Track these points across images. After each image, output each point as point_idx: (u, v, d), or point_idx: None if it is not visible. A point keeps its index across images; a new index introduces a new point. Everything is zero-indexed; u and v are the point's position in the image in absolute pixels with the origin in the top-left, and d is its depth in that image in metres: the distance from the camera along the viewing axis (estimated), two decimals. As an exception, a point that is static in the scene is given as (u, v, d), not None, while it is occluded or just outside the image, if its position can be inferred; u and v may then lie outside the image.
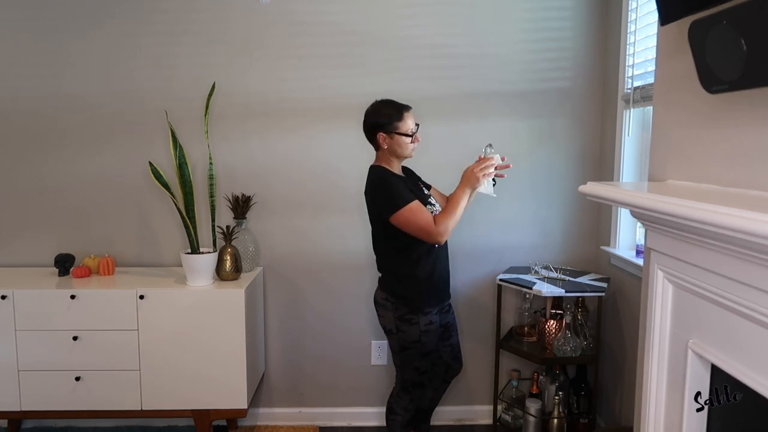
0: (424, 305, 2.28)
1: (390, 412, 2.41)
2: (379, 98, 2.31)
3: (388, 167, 2.28)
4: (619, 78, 2.60)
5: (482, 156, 2.27)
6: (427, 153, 2.79)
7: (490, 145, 2.30)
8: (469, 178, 2.21)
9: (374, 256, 2.38)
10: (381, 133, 2.24)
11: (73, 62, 2.72)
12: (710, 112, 1.45)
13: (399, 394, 2.39)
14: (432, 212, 2.22)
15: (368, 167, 2.32)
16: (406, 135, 2.24)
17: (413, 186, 2.32)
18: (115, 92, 2.74)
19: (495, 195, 2.29)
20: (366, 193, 2.29)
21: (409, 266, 2.25)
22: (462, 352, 2.92)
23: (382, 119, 2.23)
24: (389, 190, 2.18)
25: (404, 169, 2.39)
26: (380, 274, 2.37)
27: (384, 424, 2.52)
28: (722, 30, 1.21)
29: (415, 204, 2.14)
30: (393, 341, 2.34)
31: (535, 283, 2.51)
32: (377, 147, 2.29)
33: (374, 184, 2.25)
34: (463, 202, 2.19)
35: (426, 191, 2.40)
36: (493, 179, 2.27)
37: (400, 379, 2.38)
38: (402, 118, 2.23)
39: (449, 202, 2.20)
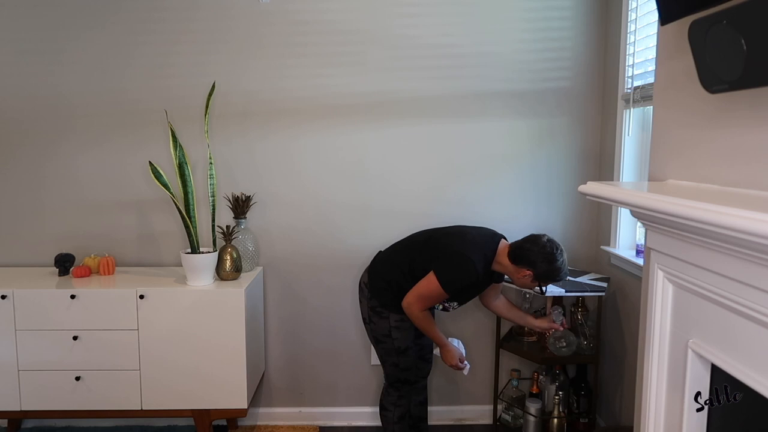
0: (397, 310, 2.33)
1: (381, 408, 2.47)
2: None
3: (489, 264, 2.27)
4: (619, 78, 2.60)
5: (554, 321, 2.47)
6: (427, 153, 2.79)
7: (560, 312, 2.56)
8: (447, 355, 2.33)
9: (379, 252, 2.45)
10: (530, 274, 2.20)
11: (73, 62, 2.72)
12: (710, 112, 1.45)
13: (387, 390, 2.45)
14: (452, 306, 2.36)
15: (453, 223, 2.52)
16: (537, 288, 2.26)
17: (482, 282, 2.32)
18: (115, 92, 2.74)
19: (436, 354, 2.45)
20: (449, 240, 2.28)
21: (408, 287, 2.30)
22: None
23: (545, 273, 2.19)
24: (456, 276, 2.21)
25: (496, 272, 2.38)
26: (373, 262, 2.42)
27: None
28: (722, 30, 1.21)
29: (442, 296, 2.22)
30: (368, 332, 2.43)
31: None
32: (514, 261, 2.22)
33: (459, 258, 2.22)
34: (430, 334, 2.30)
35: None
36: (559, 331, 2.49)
37: (385, 374, 2.44)
38: (552, 281, 2.25)
39: (435, 331, 2.30)
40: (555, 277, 2.20)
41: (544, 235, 2.23)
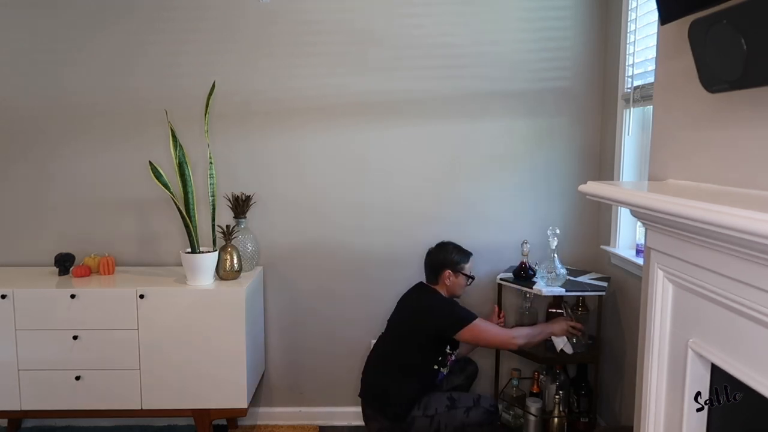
0: (410, 411, 2.32)
1: None
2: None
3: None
4: (619, 77, 2.60)
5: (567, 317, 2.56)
6: (427, 152, 2.79)
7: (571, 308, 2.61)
8: (559, 325, 2.47)
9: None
10: (448, 271, 2.44)
11: (75, 62, 2.72)
12: (710, 112, 1.45)
13: None
14: (450, 356, 2.48)
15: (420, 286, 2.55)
16: (468, 276, 2.44)
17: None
18: (118, 92, 2.74)
19: (569, 352, 2.49)
20: (419, 310, 2.40)
21: (421, 380, 2.37)
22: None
23: (452, 259, 2.45)
24: (456, 308, 2.35)
25: None
26: (364, 407, 2.44)
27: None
28: (722, 29, 1.21)
29: (481, 320, 2.37)
30: None
31: (535, 283, 2.51)
32: (436, 281, 2.48)
33: (440, 302, 2.39)
34: (540, 336, 2.43)
35: None
36: (575, 338, 2.54)
37: None
38: (468, 261, 2.49)
39: (534, 326, 2.47)
40: (460, 256, 2.46)
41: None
